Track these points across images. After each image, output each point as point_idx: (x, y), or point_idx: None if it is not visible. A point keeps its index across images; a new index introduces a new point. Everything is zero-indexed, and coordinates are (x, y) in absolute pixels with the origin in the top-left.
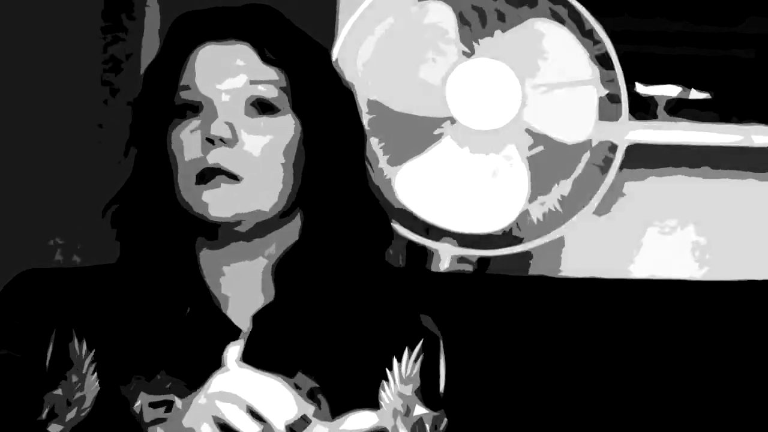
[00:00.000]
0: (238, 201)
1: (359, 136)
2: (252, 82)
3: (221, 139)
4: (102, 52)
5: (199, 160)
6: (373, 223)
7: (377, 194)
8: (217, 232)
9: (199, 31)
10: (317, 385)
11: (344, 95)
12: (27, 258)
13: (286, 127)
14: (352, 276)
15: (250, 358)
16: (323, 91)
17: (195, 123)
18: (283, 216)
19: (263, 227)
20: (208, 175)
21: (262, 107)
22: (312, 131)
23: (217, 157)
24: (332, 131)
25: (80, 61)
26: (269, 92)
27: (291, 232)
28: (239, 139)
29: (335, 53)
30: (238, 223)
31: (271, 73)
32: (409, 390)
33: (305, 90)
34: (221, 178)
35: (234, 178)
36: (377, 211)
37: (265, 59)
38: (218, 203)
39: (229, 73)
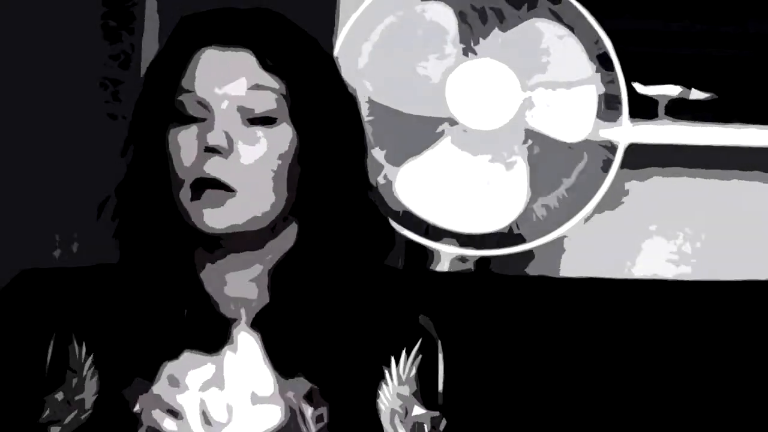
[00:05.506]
0: (232, 213)
1: (359, 148)
2: (251, 91)
3: (217, 150)
4: (102, 52)
5: (196, 168)
6: (371, 230)
7: (377, 198)
8: (214, 241)
9: (202, 34)
10: (315, 387)
11: (346, 106)
12: (27, 258)
13: (283, 137)
14: (348, 278)
15: None
16: (324, 102)
17: (193, 129)
18: (280, 224)
19: (259, 235)
20: (203, 187)
21: (260, 117)
22: (309, 142)
23: (213, 167)
24: (330, 143)
25: (80, 62)
26: (268, 101)
27: (287, 238)
28: (235, 149)
29: (335, 53)
30: (234, 233)
31: (272, 81)
32: (407, 391)
33: (305, 101)
34: (216, 194)
35: (229, 189)
36: (377, 218)
37: (266, 67)
38: (213, 216)
39: (229, 80)
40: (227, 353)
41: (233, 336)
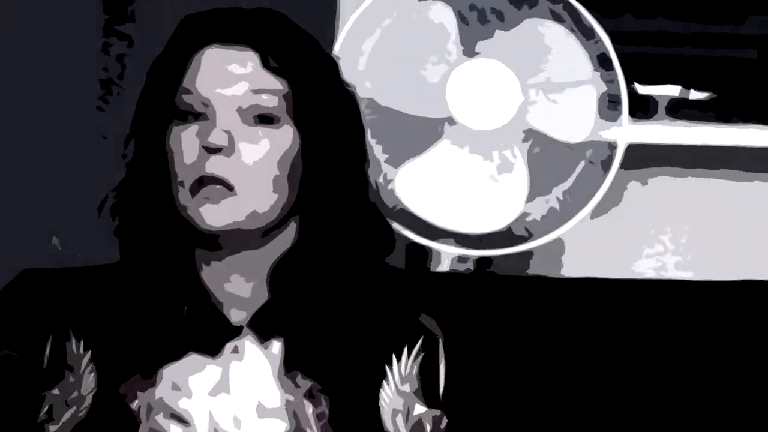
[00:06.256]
0: (231, 212)
1: (360, 148)
2: (253, 91)
3: (219, 149)
4: (101, 54)
5: (196, 167)
6: (371, 229)
7: (377, 199)
8: (213, 240)
9: (204, 33)
10: (317, 384)
11: (347, 106)
12: (27, 258)
13: (284, 137)
14: (348, 277)
15: None
16: (325, 104)
17: (194, 128)
18: (280, 223)
19: (259, 234)
20: (203, 185)
21: (262, 116)
22: (311, 143)
23: (213, 166)
24: (332, 143)
25: (80, 64)
26: (270, 102)
27: (287, 237)
28: (236, 148)
29: (335, 53)
30: (233, 231)
31: (274, 81)
32: (408, 389)
33: (307, 102)
34: (216, 190)
35: (229, 188)
36: (377, 218)
37: (269, 67)
38: (212, 214)
39: (230, 80)
40: (233, 362)
41: (240, 345)
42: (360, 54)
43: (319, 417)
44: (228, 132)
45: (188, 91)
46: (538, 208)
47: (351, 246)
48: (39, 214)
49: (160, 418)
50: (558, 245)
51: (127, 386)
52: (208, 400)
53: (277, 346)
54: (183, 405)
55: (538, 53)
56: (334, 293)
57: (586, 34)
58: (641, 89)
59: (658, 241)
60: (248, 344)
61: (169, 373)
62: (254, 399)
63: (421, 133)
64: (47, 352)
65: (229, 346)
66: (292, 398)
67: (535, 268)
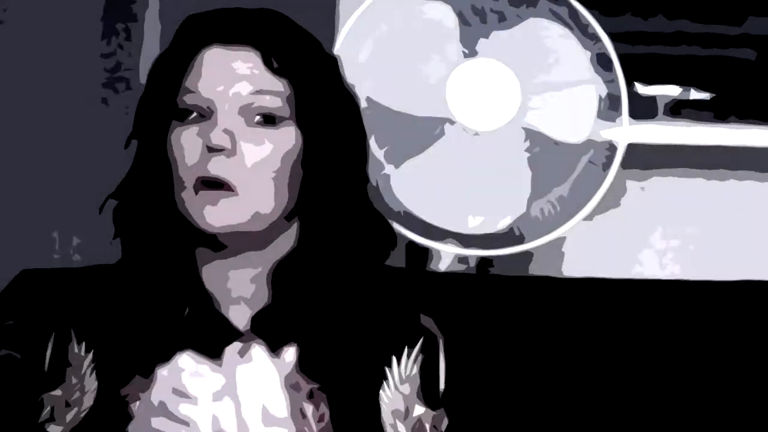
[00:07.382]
0: (233, 213)
1: (361, 149)
2: (255, 91)
3: (221, 149)
4: (102, 52)
5: (199, 168)
6: (373, 230)
7: (377, 198)
8: (215, 241)
9: (207, 33)
10: (317, 385)
11: (349, 107)
12: (27, 257)
13: (287, 138)
14: (349, 278)
15: None
16: (328, 105)
17: (196, 128)
18: (282, 224)
19: (260, 234)
20: (205, 185)
21: (264, 117)
22: (314, 144)
23: (216, 167)
24: (334, 145)
25: (80, 63)
26: (272, 102)
27: (289, 238)
28: (238, 149)
29: (335, 52)
30: (234, 232)
31: (276, 82)
32: (408, 390)
33: (309, 102)
34: (218, 192)
35: (231, 189)
36: (378, 219)
37: (271, 67)
38: (214, 215)
39: (233, 81)
40: (239, 367)
41: (246, 350)
42: (360, 54)
43: (319, 418)
44: (230, 132)
45: (190, 91)
46: (539, 208)
47: (352, 247)
48: (39, 213)
49: (160, 419)
50: (558, 245)
51: (128, 387)
52: (212, 404)
53: (290, 352)
54: (184, 406)
55: (538, 53)
56: (335, 294)
57: (586, 34)
58: (641, 89)
59: (658, 241)
60: (257, 351)
61: (167, 372)
62: (260, 406)
63: (421, 133)
64: (48, 353)
65: (231, 348)
66: (294, 401)
67: (535, 268)
